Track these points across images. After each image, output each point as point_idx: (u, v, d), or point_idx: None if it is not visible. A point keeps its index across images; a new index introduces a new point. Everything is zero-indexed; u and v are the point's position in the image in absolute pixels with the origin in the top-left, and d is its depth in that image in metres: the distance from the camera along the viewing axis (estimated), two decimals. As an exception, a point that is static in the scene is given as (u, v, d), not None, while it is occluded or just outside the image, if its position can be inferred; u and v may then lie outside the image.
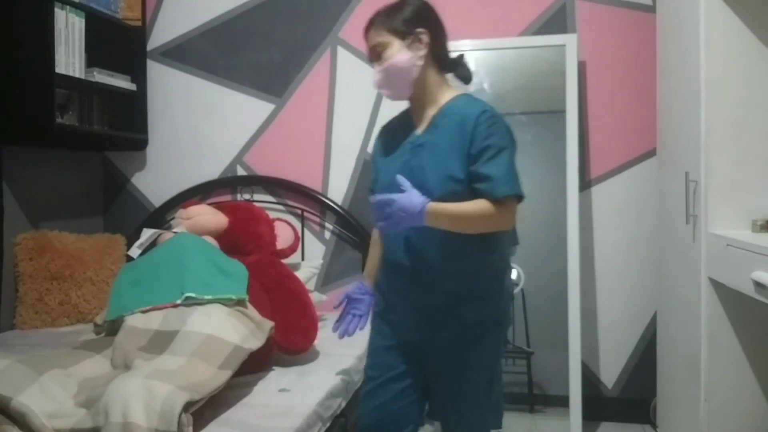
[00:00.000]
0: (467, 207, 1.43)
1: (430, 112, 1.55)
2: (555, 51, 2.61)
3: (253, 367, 2.02)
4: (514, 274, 2.66)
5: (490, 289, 1.54)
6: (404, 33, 1.51)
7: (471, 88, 2.70)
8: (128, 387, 1.48)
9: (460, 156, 1.46)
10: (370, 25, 1.57)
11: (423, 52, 1.52)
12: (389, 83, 1.53)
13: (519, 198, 1.47)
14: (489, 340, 1.53)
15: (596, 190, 2.67)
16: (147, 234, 2.42)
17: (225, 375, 1.71)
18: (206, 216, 2.41)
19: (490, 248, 1.52)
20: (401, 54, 1.50)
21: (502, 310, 1.57)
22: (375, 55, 1.55)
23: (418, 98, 1.56)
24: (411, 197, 1.39)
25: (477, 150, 1.45)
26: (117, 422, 1.42)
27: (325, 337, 2.12)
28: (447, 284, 1.50)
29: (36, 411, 1.51)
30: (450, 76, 1.62)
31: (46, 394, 1.58)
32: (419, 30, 1.51)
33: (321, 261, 2.78)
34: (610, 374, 2.67)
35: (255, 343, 1.86)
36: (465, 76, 1.64)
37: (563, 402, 2.47)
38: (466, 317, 1.51)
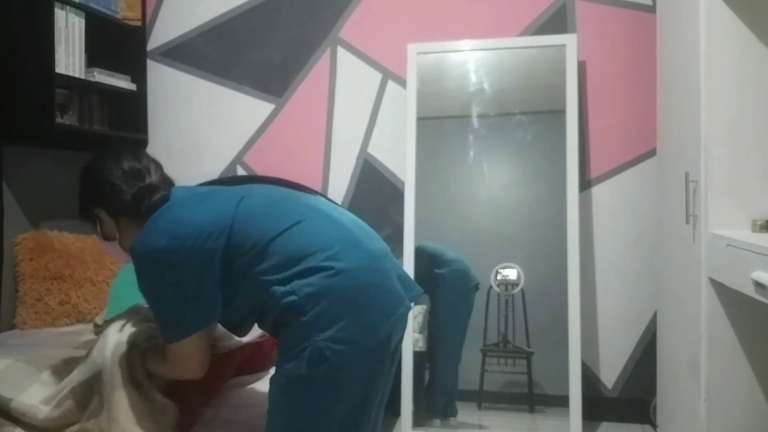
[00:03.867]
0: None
1: None
2: (555, 51, 2.61)
3: (253, 367, 2.02)
4: (514, 274, 2.68)
5: None
6: (91, 219, 1.52)
7: (471, 89, 2.73)
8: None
9: None
10: None
11: (108, 222, 1.50)
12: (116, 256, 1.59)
13: (169, 342, 1.41)
14: None
15: (596, 190, 2.67)
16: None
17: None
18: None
19: None
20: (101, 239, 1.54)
21: None
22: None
23: None
24: None
25: None
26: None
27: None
28: None
29: (36, 403, 1.52)
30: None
31: (46, 388, 1.59)
32: (95, 211, 1.50)
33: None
34: (610, 374, 2.67)
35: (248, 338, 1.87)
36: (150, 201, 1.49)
37: (563, 402, 2.47)
38: None
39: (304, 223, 1.39)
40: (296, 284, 1.30)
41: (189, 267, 1.33)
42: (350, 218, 1.51)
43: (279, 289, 1.31)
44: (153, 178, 1.51)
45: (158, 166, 1.56)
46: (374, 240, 1.48)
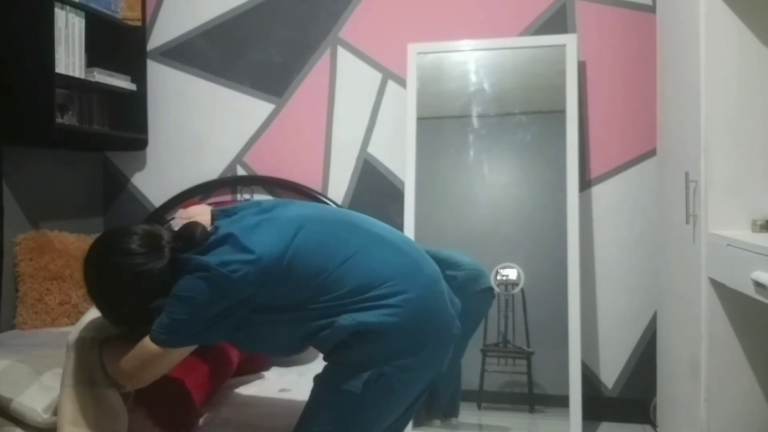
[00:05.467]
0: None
1: None
2: (555, 51, 2.61)
3: (253, 367, 2.03)
4: (514, 274, 2.68)
5: None
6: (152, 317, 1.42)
7: (471, 89, 2.73)
8: None
9: None
10: None
11: None
12: None
13: (159, 343, 1.34)
14: None
15: (596, 190, 2.67)
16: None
17: None
18: (206, 216, 2.40)
19: None
20: None
21: None
22: None
23: None
24: None
25: None
26: None
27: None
28: None
29: (37, 409, 1.52)
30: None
31: (47, 392, 1.59)
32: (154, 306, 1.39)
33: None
34: (610, 374, 2.67)
35: None
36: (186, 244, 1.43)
37: (563, 402, 2.47)
38: None
39: (365, 251, 1.41)
40: (363, 315, 1.34)
41: (220, 299, 1.32)
42: (401, 238, 1.54)
43: (345, 319, 1.33)
44: (165, 234, 1.44)
45: (153, 225, 1.48)
46: (427, 261, 1.51)
